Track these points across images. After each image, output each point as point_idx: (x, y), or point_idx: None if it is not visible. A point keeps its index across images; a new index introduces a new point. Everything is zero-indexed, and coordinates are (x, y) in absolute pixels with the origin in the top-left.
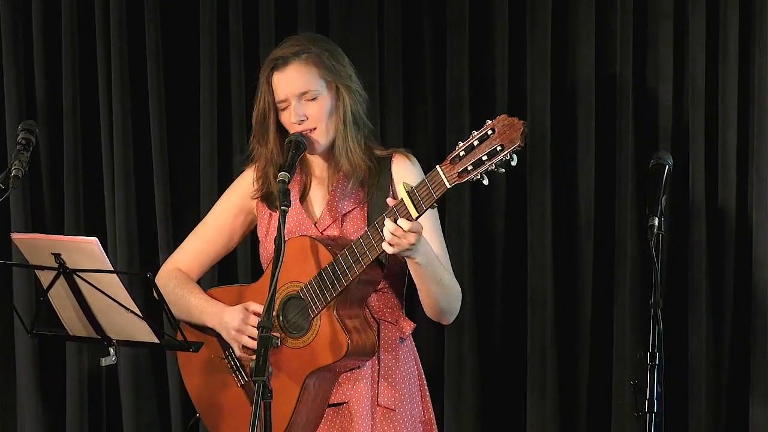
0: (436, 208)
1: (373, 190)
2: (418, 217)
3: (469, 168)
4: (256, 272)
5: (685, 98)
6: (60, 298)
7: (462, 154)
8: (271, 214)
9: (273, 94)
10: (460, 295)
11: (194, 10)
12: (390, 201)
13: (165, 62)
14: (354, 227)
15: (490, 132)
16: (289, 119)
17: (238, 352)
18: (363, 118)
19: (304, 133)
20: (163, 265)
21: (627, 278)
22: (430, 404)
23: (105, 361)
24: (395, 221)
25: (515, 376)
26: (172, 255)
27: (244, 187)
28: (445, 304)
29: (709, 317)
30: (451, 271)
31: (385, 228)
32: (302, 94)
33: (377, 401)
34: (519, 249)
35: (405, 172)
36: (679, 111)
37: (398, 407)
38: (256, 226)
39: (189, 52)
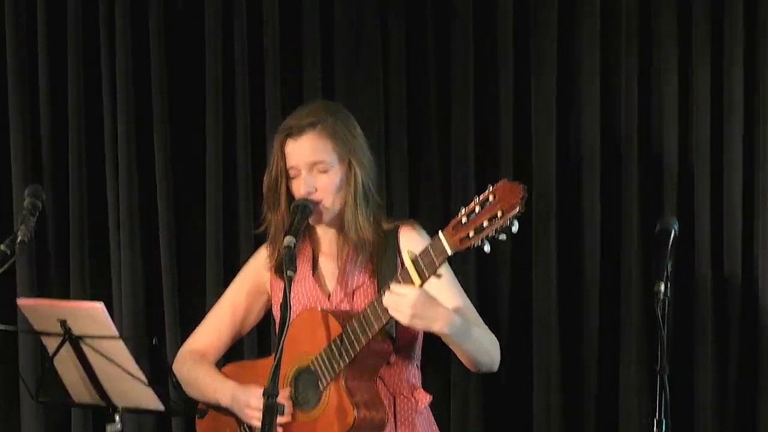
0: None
1: (381, 263)
2: (421, 285)
3: (471, 234)
4: (263, 345)
5: (690, 158)
6: (65, 364)
7: (464, 220)
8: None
9: (285, 161)
10: (497, 342)
11: (200, 70)
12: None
13: (171, 116)
14: (365, 301)
15: (491, 197)
16: (299, 189)
17: (256, 424)
18: (372, 191)
19: (309, 200)
20: (183, 345)
21: (633, 343)
22: None
23: (110, 429)
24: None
25: None
26: (191, 335)
27: (257, 266)
28: (483, 357)
29: (716, 383)
30: (480, 320)
31: (384, 299)
32: (314, 165)
33: None
34: (523, 310)
35: (412, 242)
36: (685, 172)
37: None
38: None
39: (194, 105)
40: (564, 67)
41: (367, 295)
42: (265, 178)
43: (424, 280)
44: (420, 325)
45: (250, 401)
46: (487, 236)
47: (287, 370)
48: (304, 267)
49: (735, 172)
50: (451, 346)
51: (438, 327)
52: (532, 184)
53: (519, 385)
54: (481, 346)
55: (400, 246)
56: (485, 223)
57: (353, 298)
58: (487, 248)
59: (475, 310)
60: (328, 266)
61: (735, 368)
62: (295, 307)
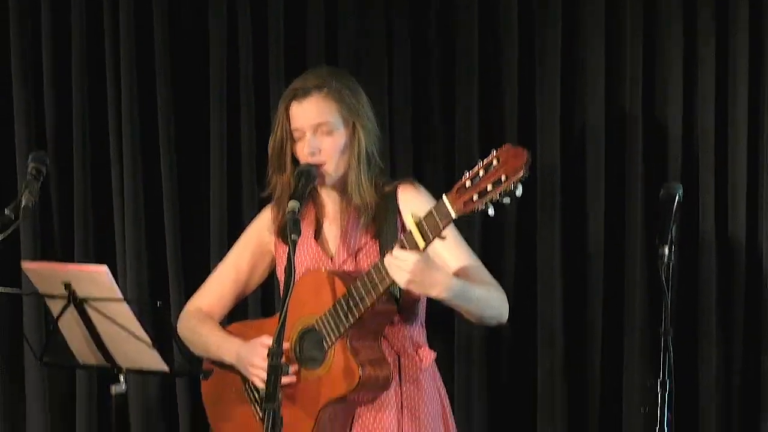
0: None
1: (383, 224)
2: (425, 247)
3: (475, 198)
4: (267, 308)
5: (695, 129)
6: (70, 326)
7: (468, 184)
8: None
9: (290, 123)
10: (503, 296)
11: (204, 53)
12: (395, 248)
13: (175, 92)
14: (368, 261)
15: (495, 162)
16: (303, 150)
17: (260, 384)
18: (375, 157)
19: (313, 164)
20: (187, 304)
21: (636, 307)
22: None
23: (115, 390)
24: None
25: (525, 405)
26: (195, 293)
27: (261, 225)
28: (487, 313)
29: (720, 346)
30: (487, 276)
31: (385, 259)
32: (318, 126)
33: None
34: (528, 278)
35: (411, 200)
36: (689, 144)
37: None
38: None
39: (199, 83)
40: (569, 40)
41: (370, 255)
42: (270, 141)
43: (428, 242)
44: (417, 290)
45: (254, 360)
46: (491, 200)
47: (292, 330)
48: (307, 230)
49: (739, 137)
50: (452, 307)
51: (436, 292)
52: (537, 151)
53: (523, 348)
54: (485, 304)
55: (399, 205)
56: (489, 187)
57: (356, 259)
58: (491, 212)
59: (483, 266)
60: (330, 229)
61: (739, 331)
62: (299, 270)
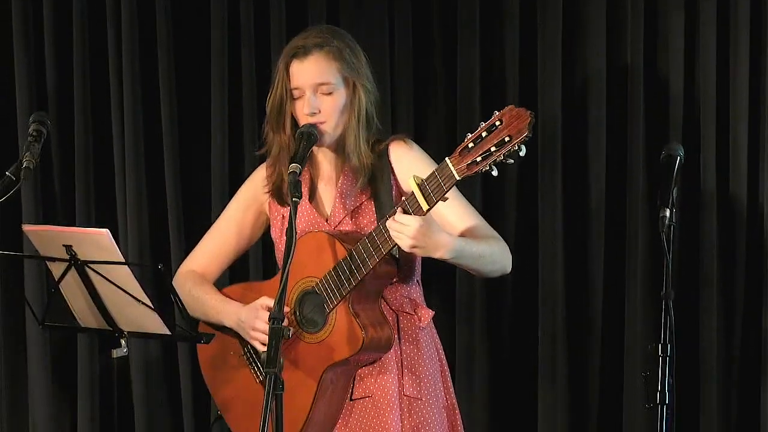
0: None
1: (377, 183)
2: (428, 210)
3: (478, 159)
4: (269, 272)
5: (697, 89)
6: (71, 289)
7: (471, 145)
8: (284, 215)
9: (290, 81)
10: (505, 248)
11: (205, 4)
12: (397, 210)
13: (176, 55)
14: (365, 221)
15: (497, 123)
16: (302, 109)
17: (260, 348)
18: (374, 117)
19: (314, 124)
20: (180, 267)
21: (638, 270)
22: (452, 390)
23: (116, 353)
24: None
25: (526, 367)
26: (188, 257)
27: (256, 184)
28: (489, 268)
29: (721, 308)
30: (490, 232)
31: (387, 223)
32: (318, 86)
33: (403, 392)
34: (530, 241)
35: (404, 157)
36: (691, 102)
37: (423, 396)
38: (269, 227)
39: (200, 45)
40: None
41: (366, 215)
42: (268, 98)
43: (431, 205)
44: (420, 254)
45: (255, 323)
46: (495, 161)
47: (291, 293)
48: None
49: (741, 97)
50: (455, 265)
51: (440, 254)
52: (537, 112)
53: (524, 311)
54: (488, 260)
55: (392, 163)
56: (493, 148)
57: (352, 219)
58: (494, 173)
59: (486, 223)
60: (325, 190)
61: (741, 293)
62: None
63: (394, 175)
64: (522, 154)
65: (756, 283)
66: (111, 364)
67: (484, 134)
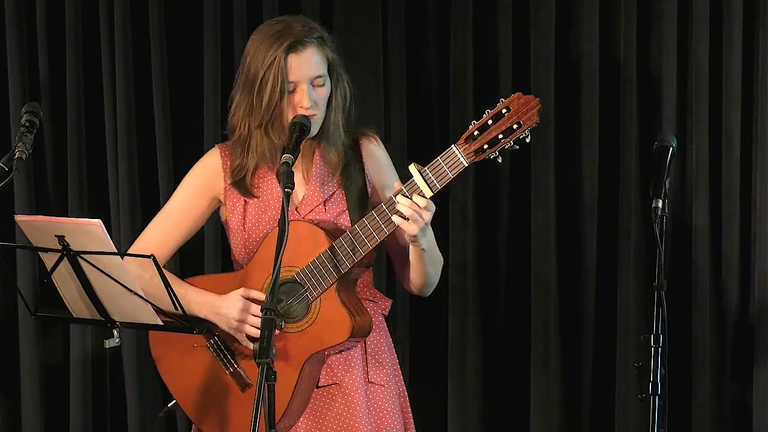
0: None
1: (349, 173)
2: (432, 197)
3: (485, 147)
4: (226, 263)
5: (689, 79)
6: (63, 280)
7: (476, 133)
8: (246, 201)
9: (287, 75)
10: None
11: (198, 3)
12: (397, 184)
13: (169, 47)
14: (337, 210)
15: (504, 110)
16: (299, 102)
17: (243, 341)
18: (351, 106)
19: (307, 116)
20: (129, 251)
21: (630, 260)
22: (401, 377)
23: (109, 343)
24: (410, 197)
25: (519, 358)
26: (138, 242)
27: (209, 171)
28: (434, 279)
29: (713, 299)
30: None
31: (399, 205)
32: (315, 78)
33: (369, 379)
34: (522, 231)
35: (374, 154)
36: (683, 92)
37: (385, 383)
38: (218, 211)
39: (193, 38)
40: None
41: (338, 204)
42: (258, 93)
43: (434, 191)
44: (418, 242)
45: (245, 317)
46: (504, 148)
47: (265, 282)
48: (273, 179)
49: (733, 89)
50: (417, 268)
51: (427, 244)
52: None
53: (517, 300)
54: (436, 270)
55: (363, 157)
56: (500, 136)
57: (325, 208)
58: (500, 159)
59: None
60: (296, 177)
61: (733, 284)
62: (258, 220)
63: (365, 167)
64: (528, 140)
65: (748, 274)
66: (103, 354)
67: (489, 122)
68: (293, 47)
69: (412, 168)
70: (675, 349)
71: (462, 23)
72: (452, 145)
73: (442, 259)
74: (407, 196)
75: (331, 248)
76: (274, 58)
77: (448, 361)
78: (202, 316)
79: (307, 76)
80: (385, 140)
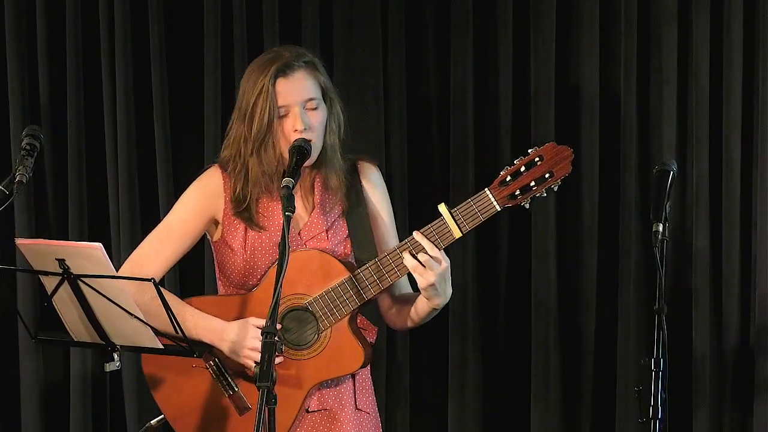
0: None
1: (350, 200)
2: (461, 237)
3: (517, 193)
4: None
5: (690, 104)
6: (64, 303)
7: (509, 179)
8: (245, 228)
9: (277, 100)
10: None
11: (198, 14)
12: (417, 234)
13: (169, 66)
14: (339, 237)
15: (537, 159)
16: (292, 126)
17: (253, 368)
18: (345, 132)
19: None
20: (125, 267)
21: (631, 284)
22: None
23: (109, 367)
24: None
25: (519, 382)
26: (134, 258)
27: (209, 191)
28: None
29: (713, 323)
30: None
31: (407, 260)
32: (307, 101)
33: (357, 406)
34: (522, 254)
35: (375, 183)
36: (683, 116)
37: (371, 411)
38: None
39: (193, 56)
40: (563, 13)
41: (340, 230)
42: (249, 120)
43: (464, 232)
44: (429, 293)
45: (254, 343)
46: (536, 195)
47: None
48: (273, 206)
49: (734, 112)
50: (415, 319)
51: (438, 302)
52: (530, 127)
53: (517, 323)
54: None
55: (364, 186)
56: (532, 183)
57: (327, 235)
58: (527, 206)
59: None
60: (298, 205)
61: (734, 308)
62: (265, 245)
63: (365, 195)
64: (556, 189)
65: (748, 298)
66: (103, 378)
67: (522, 169)
68: (281, 71)
69: (442, 207)
70: (676, 373)
71: (462, 46)
72: (486, 189)
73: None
74: (432, 248)
75: (349, 279)
76: (263, 85)
77: (449, 383)
78: (207, 341)
79: (297, 100)
80: (385, 162)
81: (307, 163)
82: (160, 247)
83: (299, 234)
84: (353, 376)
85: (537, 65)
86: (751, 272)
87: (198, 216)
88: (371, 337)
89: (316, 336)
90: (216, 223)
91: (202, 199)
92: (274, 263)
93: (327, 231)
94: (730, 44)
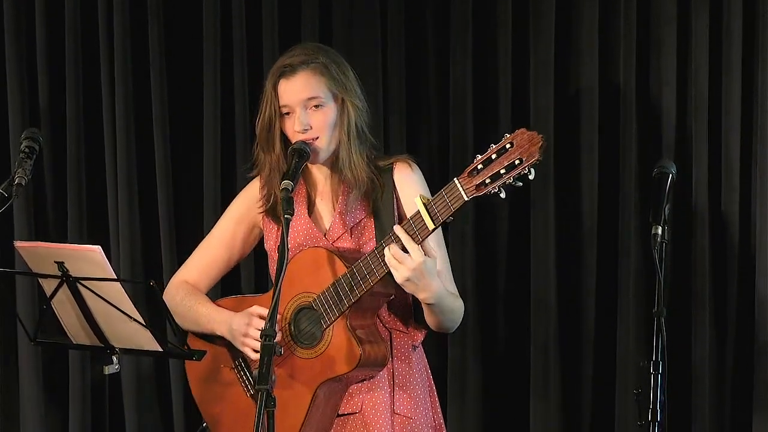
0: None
1: (378, 200)
2: (434, 229)
3: (487, 181)
4: (261, 284)
5: (689, 105)
6: (63, 306)
7: (480, 167)
8: (278, 228)
9: (278, 101)
10: (463, 307)
11: (197, 16)
12: (396, 228)
13: (168, 69)
14: (364, 238)
15: (508, 145)
16: (293, 127)
17: (251, 355)
18: (366, 132)
19: (306, 142)
20: (171, 278)
21: (630, 286)
22: (439, 409)
23: (108, 370)
24: (392, 247)
25: (518, 384)
26: (180, 268)
27: (249, 198)
28: (450, 324)
29: (713, 326)
30: (454, 286)
31: (387, 251)
32: (308, 101)
33: (394, 410)
34: (522, 256)
35: (407, 180)
36: (683, 118)
37: (414, 415)
38: (263, 239)
39: (192, 59)
40: (563, 14)
41: (366, 232)
42: (257, 120)
43: (437, 225)
44: (410, 289)
45: (248, 330)
46: (505, 183)
47: (287, 308)
48: (300, 207)
49: (733, 114)
50: (427, 315)
51: (423, 296)
52: (530, 127)
53: (516, 326)
54: (453, 316)
55: (395, 184)
56: (502, 171)
57: (352, 235)
58: (503, 195)
59: (450, 270)
60: (323, 205)
61: (733, 311)
62: (292, 247)
63: (396, 195)
64: (531, 177)
65: (748, 300)
66: (103, 381)
67: (494, 156)
68: (283, 73)
69: (418, 200)
70: (675, 375)
71: (462, 46)
72: (455, 179)
73: (458, 306)
74: (407, 239)
75: (345, 276)
76: (268, 86)
77: (448, 385)
78: (219, 333)
79: (297, 99)
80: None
81: (321, 162)
82: (201, 257)
83: (325, 235)
84: (392, 377)
85: (537, 65)
86: (751, 273)
87: (238, 223)
88: (410, 339)
89: (321, 333)
90: (261, 230)
91: (243, 207)
92: (291, 258)
93: (351, 230)
94: (730, 44)
